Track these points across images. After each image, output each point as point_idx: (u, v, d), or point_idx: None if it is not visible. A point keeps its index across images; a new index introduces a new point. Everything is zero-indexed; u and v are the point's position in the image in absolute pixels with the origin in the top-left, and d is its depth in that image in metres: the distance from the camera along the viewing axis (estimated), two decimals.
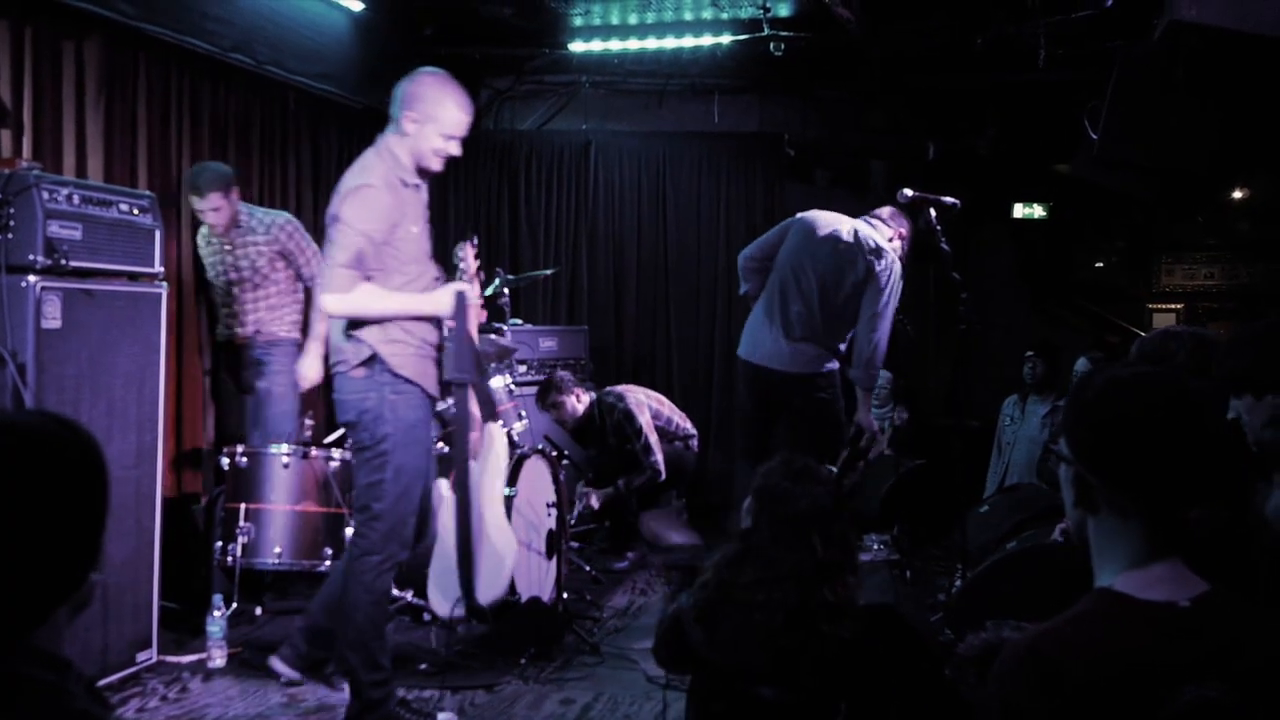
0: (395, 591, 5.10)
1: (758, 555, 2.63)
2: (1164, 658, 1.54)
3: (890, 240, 5.35)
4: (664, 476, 6.39)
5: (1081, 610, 1.64)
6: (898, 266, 5.32)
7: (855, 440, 5.41)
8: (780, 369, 5.38)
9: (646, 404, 6.55)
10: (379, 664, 3.81)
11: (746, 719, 2.59)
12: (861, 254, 5.27)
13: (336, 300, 3.69)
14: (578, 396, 6.45)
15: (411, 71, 3.89)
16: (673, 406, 6.79)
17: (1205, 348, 2.91)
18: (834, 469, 2.88)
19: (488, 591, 4.44)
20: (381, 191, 3.73)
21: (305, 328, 5.76)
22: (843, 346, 5.43)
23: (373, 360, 3.74)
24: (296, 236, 5.61)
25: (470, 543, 4.20)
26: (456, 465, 4.18)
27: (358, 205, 3.69)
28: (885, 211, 5.46)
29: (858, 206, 5.75)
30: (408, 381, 3.78)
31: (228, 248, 5.52)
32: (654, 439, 6.38)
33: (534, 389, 6.64)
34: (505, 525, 4.72)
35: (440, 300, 3.87)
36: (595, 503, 6.31)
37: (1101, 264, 10.14)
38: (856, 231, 5.33)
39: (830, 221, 5.40)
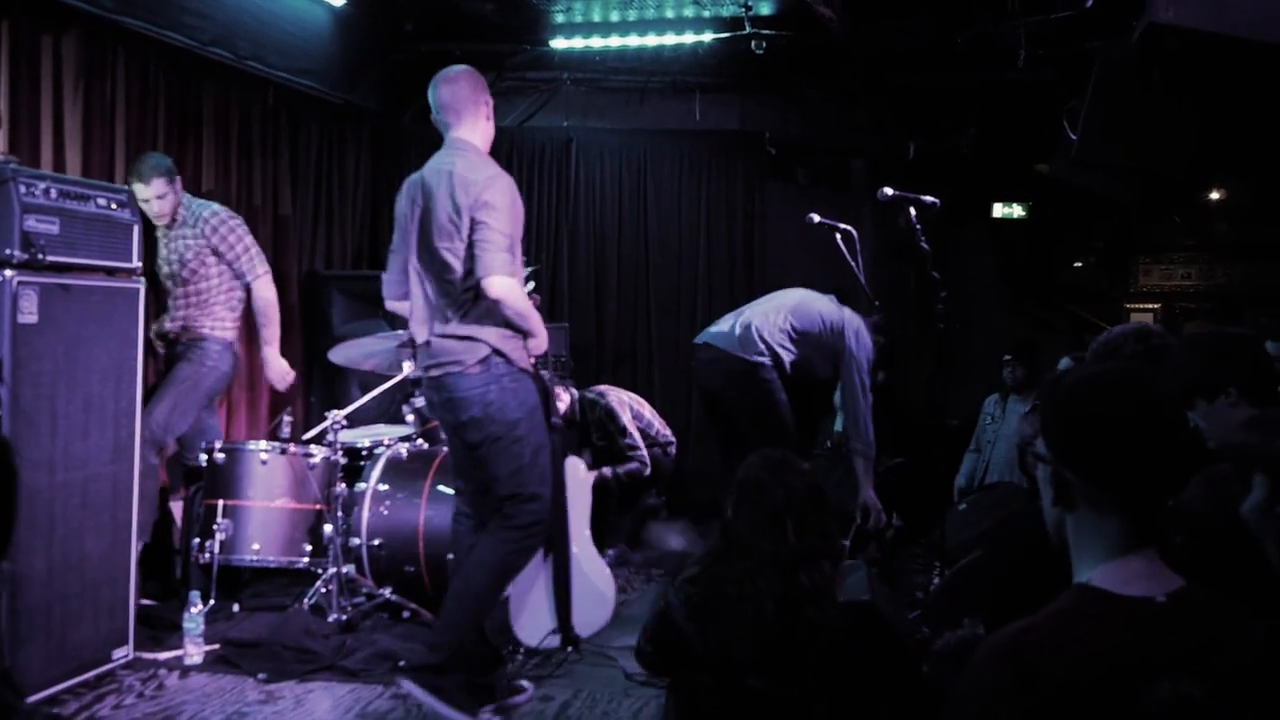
0: (374, 589, 5.10)
1: (740, 547, 2.66)
2: (1141, 654, 1.56)
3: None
4: (649, 470, 6.44)
5: (1060, 607, 1.66)
6: (867, 339, 5.50)
7: (863, 520, 5.47)
8: (721, 346, 5.43)
9: (627, 404, 6.59)
10: (482, 628, 3.97)
11: (733, 714, 2.60)
12: (836, 335, 5.47)
13: (508, 283, 3.79)
14: (558, 395, 6.45)
15: (443, 72, 4.01)
16: (654, 411, 6.82)
17: (1148, 337, 3.08)
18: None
19: (590, 623, 4.50)
20: (510, 181, 3.92)
21: (245, 327, 5.56)
22: (786, 358, 5.48)
23: (488, 357, 3.83)
24: (222, 231, 5.23)
25: (567, 576, 4.28)
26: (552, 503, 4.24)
27: (504, 192, 3.85)
28: (870, 321, 5.67)
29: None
30: (522, 370, 3.91)
31: (166, 240, 5.27)
32: (637, 435, 6.43)
33: None
34: (597, 556, 4.72)
35: (543, 335, 4.00)
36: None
37: (1080, 264, 10.19)
38: (836, 320, 5.51)
39: (811, 299, 5.62)
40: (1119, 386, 1.71)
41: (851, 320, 5.51)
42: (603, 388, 6.69)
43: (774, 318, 5.45)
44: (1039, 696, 1.55)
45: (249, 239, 5.33)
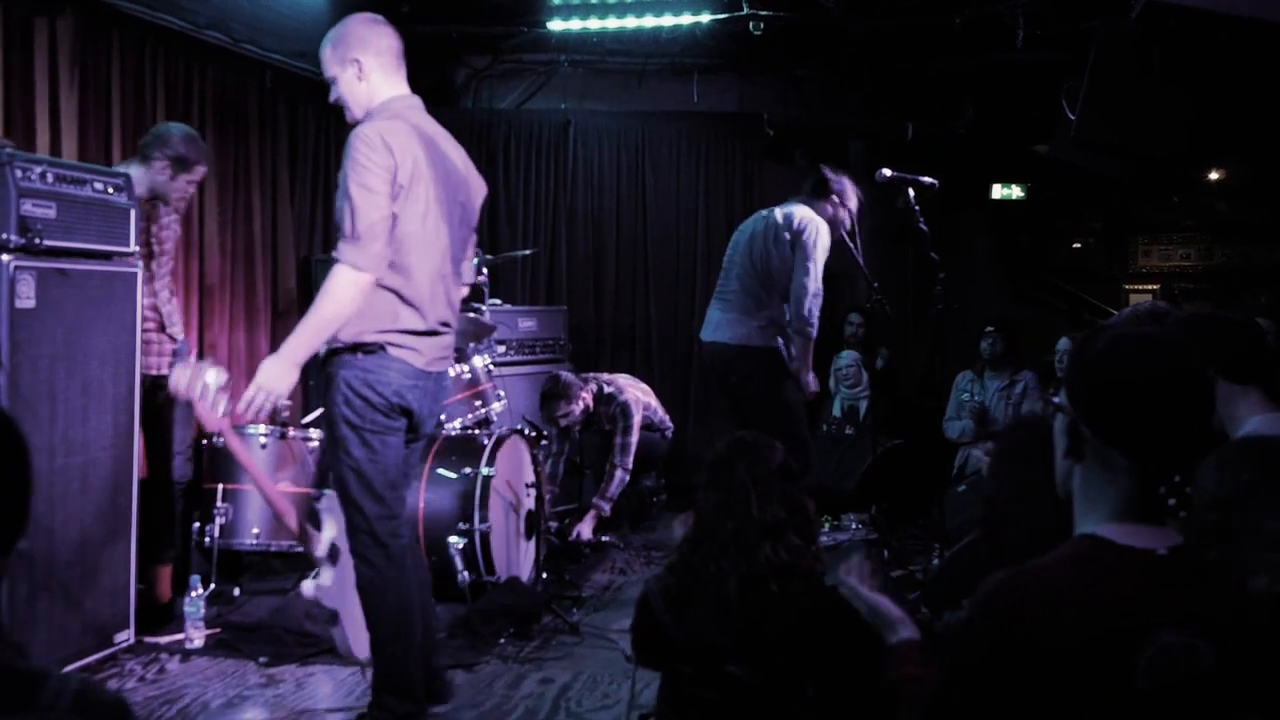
0: None
1: (709, 531, 2.66)
2: (1141, 603, 1.57)
3: (830, 213, 5.50)
4: (628, 479, 6.37)
5: (1062, 554, 1.66)
6: (823, 226, 5.39)
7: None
8: (716, 339, 5.45)
9: (642, 402, 6.53)
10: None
11: (715, 701, 2.60)
12: (785, 227, 5.40)
13: None
14: (583, 401, 6.33)
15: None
16: (658, 402, 6.80)
17: (1164, 317, 3.09)
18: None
19: None
20: None
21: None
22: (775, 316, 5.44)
23: None
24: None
25: None
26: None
27: None
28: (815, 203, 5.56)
29: None
30: None
31: (163, 221, 4.92)
32: (635, 440, 6.35)
33: (513, 369, 6.62)
34: None
35: None
36: (587, 533, 6.26)
37: (1079, 245, 10.16)
38: (784, 213, 5.46)
39: (761, 213, 5.63)
40: (1155, 349, 1.68)
41: (803, 220, 5.38)
42: (621, 383, 6.59)
43: (749, 284, 5.46)
44: (1034, 641, 1.56)
45: None
